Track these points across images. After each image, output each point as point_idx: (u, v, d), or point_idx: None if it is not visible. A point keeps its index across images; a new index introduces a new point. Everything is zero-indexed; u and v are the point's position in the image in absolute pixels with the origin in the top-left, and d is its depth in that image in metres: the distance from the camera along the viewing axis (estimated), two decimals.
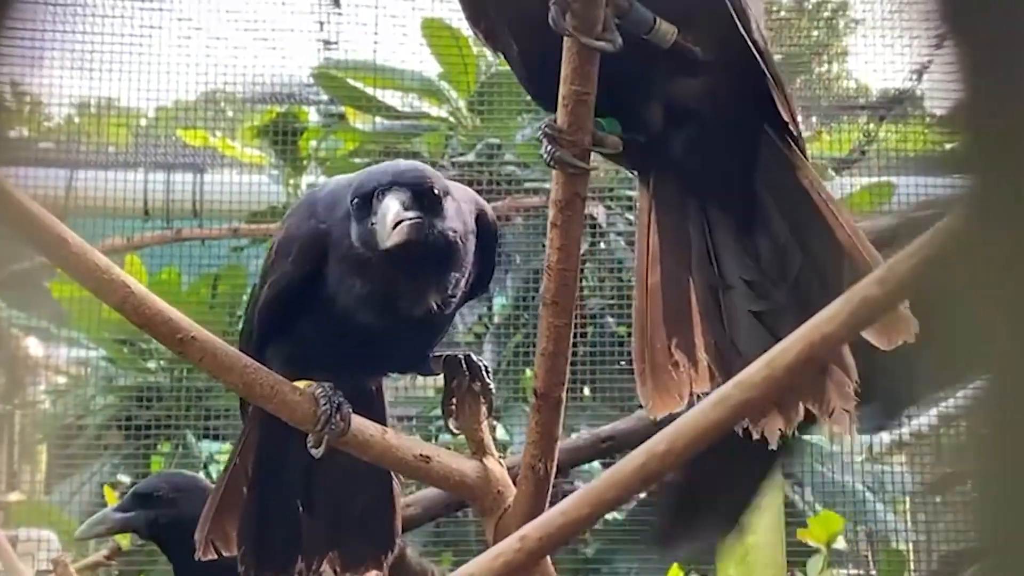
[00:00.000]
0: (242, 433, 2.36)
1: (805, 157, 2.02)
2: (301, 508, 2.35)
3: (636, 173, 2.12)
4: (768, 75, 1.93)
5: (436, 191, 1.95)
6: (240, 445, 2.34)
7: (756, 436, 1.93)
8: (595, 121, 1.80)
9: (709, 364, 1.99)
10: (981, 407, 0.71)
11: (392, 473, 2.32)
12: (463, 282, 2.05)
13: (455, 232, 1.98)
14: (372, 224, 1.92)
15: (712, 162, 2.00)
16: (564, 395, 1.91)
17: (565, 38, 1.72)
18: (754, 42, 1.91)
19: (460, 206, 2.03)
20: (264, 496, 2.32)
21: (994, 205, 0.70)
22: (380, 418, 2.18)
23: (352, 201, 1.97)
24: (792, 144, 2.00)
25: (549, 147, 1.76)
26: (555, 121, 1.77)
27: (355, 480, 2.33)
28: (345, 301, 2.04)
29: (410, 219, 1.90)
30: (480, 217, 2.10)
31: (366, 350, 2.11)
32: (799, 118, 2.03)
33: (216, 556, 2.31)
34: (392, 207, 1.89)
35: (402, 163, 2.04)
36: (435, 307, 2.02)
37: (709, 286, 2.02)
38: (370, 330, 2.05)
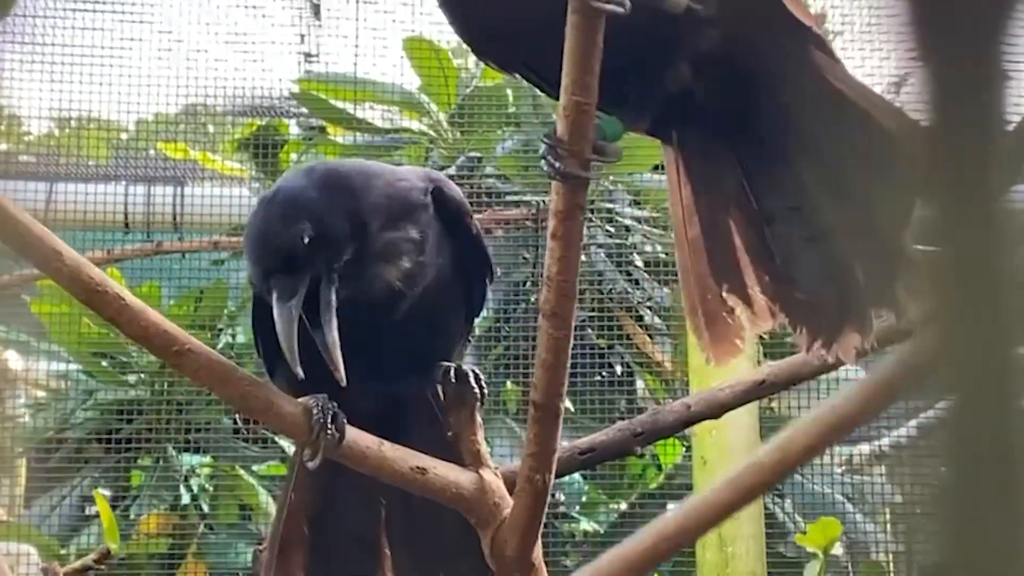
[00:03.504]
0: (292, 469, 2.31)
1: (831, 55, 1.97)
2: (376, 538, 2.30)
3: (658, 136, 2.08)
4: None
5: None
6: (292, 482, 2.28)
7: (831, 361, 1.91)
8: (595, 124, 1.78)
9: (767, 302, 1.98)
10: (948, 424, 0.71)
11: None
12: (422, 261, 2.06)
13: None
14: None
15: (738, 97, 1.98)
16: (563, 406, 1.91)
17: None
18: None
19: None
20: (329, 532, 2.27)
21: (957, 230, 0.70)
22: (411, 435, 2.16)
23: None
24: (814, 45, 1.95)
25: (550, 159, 1.73)
26: (555, 132, 1.74)
27: (437, 507, 2.23)
28: None
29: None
30: (438, 192, 2.12)
31: (355, 347, 2.02)
32: (816, 17, 1.98)
33: None
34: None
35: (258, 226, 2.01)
36: (396, 285, 2.04)
37: (751, 223, 1.99)
38: (349, 320, 1.99)
